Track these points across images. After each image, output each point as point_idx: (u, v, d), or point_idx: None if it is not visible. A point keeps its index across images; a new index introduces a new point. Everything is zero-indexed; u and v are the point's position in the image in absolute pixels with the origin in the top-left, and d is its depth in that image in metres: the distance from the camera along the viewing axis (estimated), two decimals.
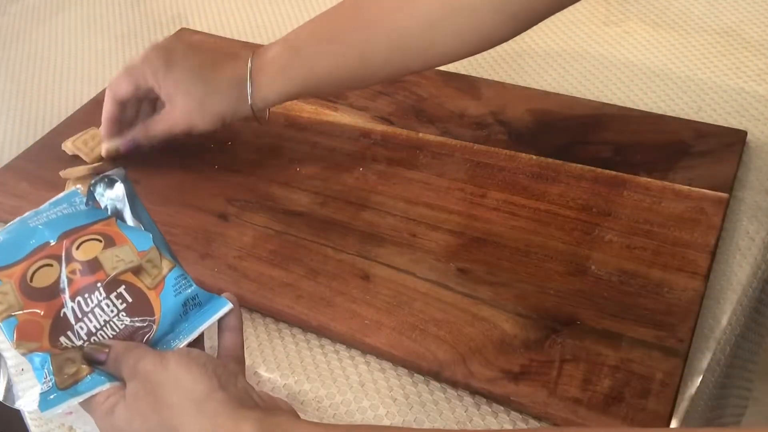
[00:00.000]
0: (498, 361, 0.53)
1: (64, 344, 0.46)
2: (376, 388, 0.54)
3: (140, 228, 0.50)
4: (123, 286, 0.47)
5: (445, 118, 0.75)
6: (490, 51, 0.85)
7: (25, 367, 0.67)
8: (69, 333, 0.46)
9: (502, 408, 0.52)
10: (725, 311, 0.57)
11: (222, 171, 0.73)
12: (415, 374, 0.55)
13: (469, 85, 0.79)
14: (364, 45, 0.62)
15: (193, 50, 0.68)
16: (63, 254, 0.48)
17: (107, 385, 0.45)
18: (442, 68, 0.83)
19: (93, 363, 0.45)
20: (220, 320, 0.49)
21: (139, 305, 0.47)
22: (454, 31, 0.61)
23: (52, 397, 0.45)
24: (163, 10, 1.03)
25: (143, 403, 0.43)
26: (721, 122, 0.71)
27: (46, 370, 0.45)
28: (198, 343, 0.49)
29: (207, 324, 0.48)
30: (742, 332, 0.60)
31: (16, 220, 0.51)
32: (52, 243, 0.48)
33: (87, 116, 0.82)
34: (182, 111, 0.67)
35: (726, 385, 0.62)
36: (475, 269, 0.60)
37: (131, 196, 0.51)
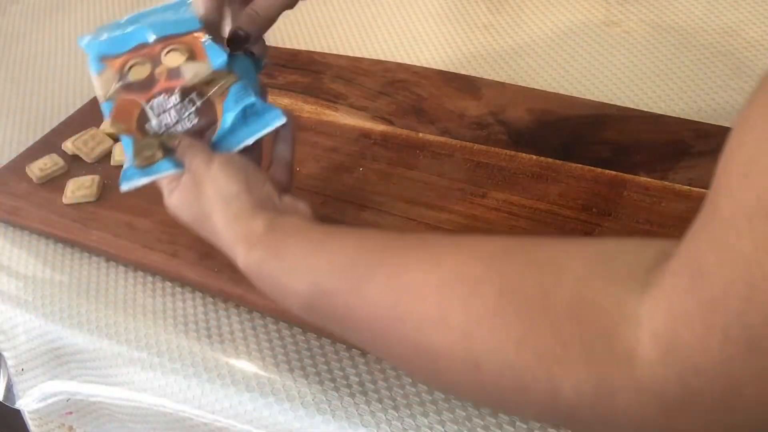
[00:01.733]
0: None
1: (147, 129, 0.56)
2: (375, 389, 0.54)
3: (222, 46, 0.57)
4: (195, 93, 0.56)
5: (445, 118, 0.75)
6: (490, 51, 0.86)
7: (25, 366, 0.68)
8: (151, 122, 0.56)
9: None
10: None
11: None
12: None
13: (469, 85, 0.79)
14: None
15: None
16: (154, 57, 0.57)
17: (173, 171, 0.54)
18: (442, 68, 0.83)
19: (167, 150, 0.55)
20: (277, 130, 0.56)
21: (206, 110, 0.56)
22: None
23: (130, 174, 0.55)
24: None
25: (190, 192, 0.52)
26: (721, 122, 0.71)
27: (127, 153, 0.56)
28: (255, 148, 0.56)
29: (263, 132, 0.56)
30: None
31: (131, 16, 0.60)
32: (150, 43, 0.58)
33: (87, 116, 0.82)
34: None
35: None
36: None
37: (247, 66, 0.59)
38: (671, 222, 0.61)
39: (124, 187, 0.56)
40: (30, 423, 0.72)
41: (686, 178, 0.64)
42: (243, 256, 0.48)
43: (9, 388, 0.70)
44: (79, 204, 0.71)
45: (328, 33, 0.92)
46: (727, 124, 0.70)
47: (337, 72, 0.83)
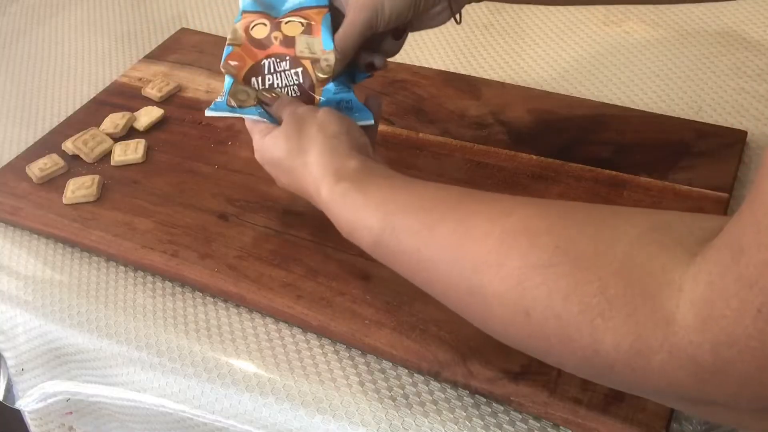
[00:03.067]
0: (498, 361, 0.53)
1: (252, 83, 0.61)
2: (375, 388, 0.54)
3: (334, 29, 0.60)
4: (302, 68, 0.60)
5: (445, 118, 0.75)
6: (490, 51, 0.86)
7: (25, 366, 0.68)
8: (259, 78, 0.61)
9: (502, 408, 0.52)
10: None
11: (222, 171, 0.73)
12: (415, 374, 0.55)
13: (469, 85, 0.79)
14: None
15: None
16: (275, 22, 0.61)
17: (256, 117, 0.58)
18: (442, 68, 0.83)
19: (260, 102, 0.59)
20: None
21: (306, 88, 0.60)
22: None
23: (218, 106, 0.60)
24: (163, 10, 1.03)
25: (291, 131, 0.55)
26: (721, 122, 0.71)
27: (225, 89, 0.60)
28: None
29: None
30: None
31: None
32: (278, 16, 0.62)
33: (87, 116, 0.82)
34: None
35: None
36: None
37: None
38: None
39: (209, 113, 0.60)
40: (30, 423, 0.72)
41: (686, 178, 0.64)
42: (329, 186, 0.51)
43: (9, 388, 0.70)
44: (79, 204, 0.71)
45: None
46: (727, 124, 0.70)
47: None
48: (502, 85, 0.78)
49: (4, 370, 0.70)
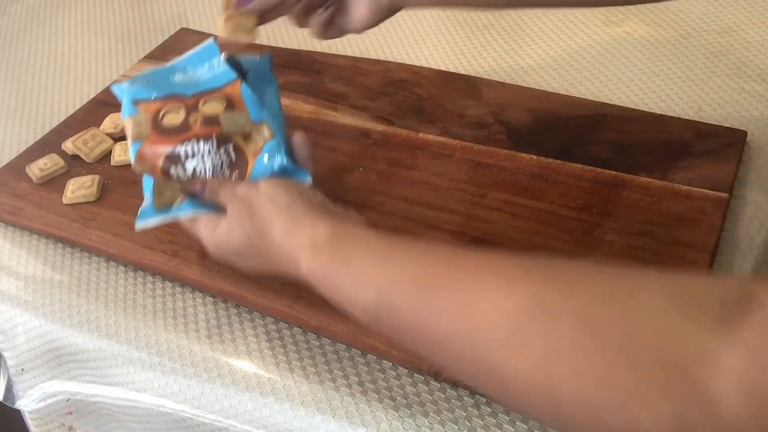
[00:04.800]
0: None
1: (171, 173, 0.56)
2: (375, 388, 0.54)
3: (258, 100, 0.59)
4: (232, 145, 0.57)
5: (445, 118, 0.75)
6: (490, 51, 0.86)
7: (25, 366, 0.68)
8: (178, 166, 0.56)
9: (501, 408, 0.52)
10: None
11: None
12: (415, 374, 0.55)
13: (469, 85, 0.79)
14: None
15: None
16: (190, 105, 0.58)
17: (190, 211, 0.55)
18: (442, 68, 0.83)
19: (189, 193, 0.56)
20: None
21: (238, 163, 0.57)
22: None
23: (147, 214, 0.57)
24: (163, 10, 1.03)
25: (242, 216, 0.52)
26: (721, 122, 0.71)
27: (146, 191, 0.57)
28: None
29: None
30: None
31: (164, 67, 0.62)
32: (187, 95, 0.59)
33: (87, 116, 0.82)
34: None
35: None
36: None
37: (265, 77, 0.62)
38: (671, 222, 0.61)
39: (140, 225, 0.57)
40: (30, 423, 0.72)
41: (686, 178, 0.64)
42: (308, 261, 0.48)
43: (9, 388, 0.70)
44: (79, 204, 0.71)
45: None
46: (727, 124, 0.70)
47: (337, 72, 0.83)
48: (502, 85, 0.78)
49: (4, 370, 0.70)
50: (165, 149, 0.57)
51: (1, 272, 0.68)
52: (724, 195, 0.62)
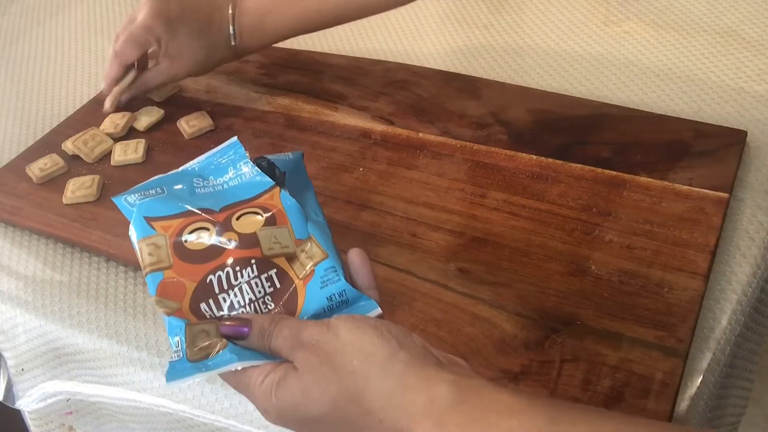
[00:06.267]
0: (498, 361, 0.53)
1: (203, 311, 0.44)
2: None
3: (302, 211, 0.48)
4: (275, 270, 0.45)
5: (445, 118, 0.75)
6: (490, 51, 0.86)
7: (25, 366, 0.67)
8: (211, 301, 0.44)
9: None
10: (725, 311, 0.57)
11: None
12: None
13: (469, 85, 0.79)
14: None
15: (188, 12, 0.74)
16: (221, 221, 0.46)
17: (237, 363, 0.41)
18: (442, 68, 0.83)
19: (232, 338, 0.43)
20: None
21: (285, 293, 0.45)
22: None
23: (180, 368, 0.42)
24: None
25: (319, 373, 0.39)
26: (721, 122, 0.71)
27: (179, 338, 0.43)
28: None
29: None
30: (742, 332, 0.59)
31: (178, 171, 0.50)
32: (215, 210, 0.47)
33: (87, 116, 0.82)
34: (184, 66, 0.76)
35: (726, 385, 0.62)
36: (475, 269, 0.60)
37: (301, 179, 0.51)
38: (671, 222, 0.61)
39: (171, 384, 0.42)
40: (30, 423, 0.72)
41: (686, 178, 0.64)
42: None
43: (9, 388, 0.70)
44: (79, 204, 0.71)
45: (328, 33, 0.92)
46: (727, 124, 0.70)
47: (337, 72, 0.83)
48: (502, 85, 0.78)
49: (4, 370, 0.70)
50: (193, 281, 0.45)
51: (1, 272, 0.68)
52: (724, 195, 0.62)
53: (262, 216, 0.47)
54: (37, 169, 0.74)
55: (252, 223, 0.47)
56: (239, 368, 0.42)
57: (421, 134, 0.73)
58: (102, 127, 0.78)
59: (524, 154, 0.69)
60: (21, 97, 0.90)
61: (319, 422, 0.40)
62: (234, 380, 0.43)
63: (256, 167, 0.49)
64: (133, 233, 0.46)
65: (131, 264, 0.67)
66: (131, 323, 0.62)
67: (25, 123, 0.86)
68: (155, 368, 0.60)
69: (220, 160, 0.51)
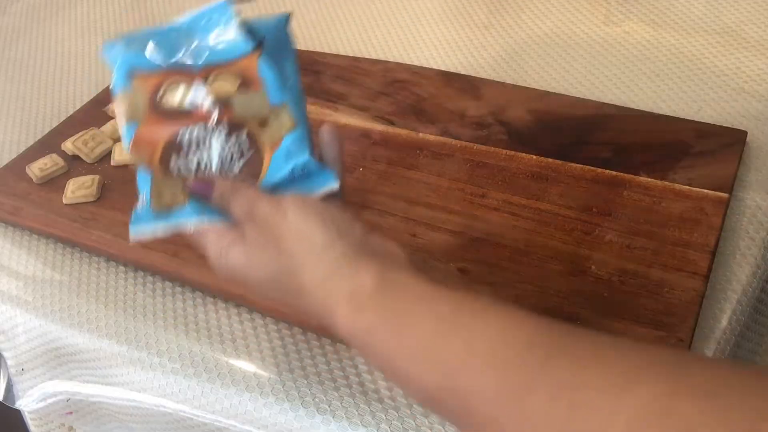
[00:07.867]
0: None
1: (172, 166, 0.46)
2: (375, 389, 0.54)
3: (280, 78, 0.48)
4: (245, 134, 0.47)
5: (445, 118, 0.75)
6: (490, 51, 0.86)
7: (25, 366, 0.67)
8: (179, 157, 0.46)
9: None
10: (725, 311, 0.57)
11: None
12: None
13: (469, 85, 0.79)
14: None
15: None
16: (200, 81, 0.47)
17: (195, 219, 0.45)
18: (442, 68, 0.83)
19: (195, 195, 0.46)
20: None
21: (251, 158, 0.47)
22: None
23: (144, 217, 0.46)
24: (163, 10, 1.03)
25: (265, 248, 0.44)
26: (721, 122, 0.71)
27: (142, 188, 0.46)
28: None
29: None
30: (742, 332, 0.60)
31: (168, 26, 0.51)
32: (194, 66, 0.48)
33: (87, 116, 0.82)
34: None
35: None
36: (475, 269, 0.60)
37: (283, 46, 0.50)
38: (671, 222, 0.61)
39: (135, 234, 0.46)
40: (30, 423, 0.72)
41: (686, 178, 0.64)
42: (348, 319, 0.40)
43: (9, 388, 0.70)
44: (79, 204, 0.71)
45: (328, 33, 0.92)
46: (727, 124, 0.70)
47: (337, 72, 0.83)
48: (502, 85, 0.78)
49: (4, 370, 0.70)
50: (164, 135, 0.46)
51: (1, 272, 0.68)
52: (724, 195, 0.62)
53: (238, 79, 0.48)
54: (37, 169, 0.74)
55: (228, 85, 0.48)
56: (198, 224, 0.45)
57: (421, 134, 0.73)
58: (102, 127, 0.78)
59: (524, 154, 0.69)
60: (21, 97, 0.90)
61: (261, 285, 0.45)
62: (194, 236, 0.47)
63: (240, 31, 0.50)
64: (115, 85, 0.48)
65: (131, 264, 0.67)
66: (131, 323, 0.62)
67: (25, 123, 0.86)
68: (155, 368, 0.60)
69: (208, 19, 0.51)
